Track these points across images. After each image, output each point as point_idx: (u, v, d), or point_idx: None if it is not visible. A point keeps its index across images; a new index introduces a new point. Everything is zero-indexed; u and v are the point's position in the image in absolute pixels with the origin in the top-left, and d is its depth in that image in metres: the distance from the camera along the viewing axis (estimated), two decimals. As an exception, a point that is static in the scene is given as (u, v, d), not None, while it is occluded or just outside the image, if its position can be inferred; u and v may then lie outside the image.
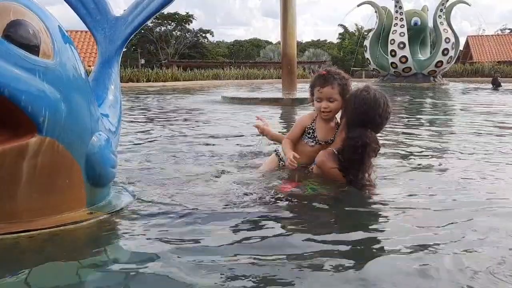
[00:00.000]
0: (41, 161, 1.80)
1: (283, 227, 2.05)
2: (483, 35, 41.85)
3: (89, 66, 18.32)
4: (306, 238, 1.88)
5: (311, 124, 2.83)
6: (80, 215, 2.01)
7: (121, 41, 2.76)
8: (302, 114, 2.98)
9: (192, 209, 2.23)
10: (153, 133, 5.26)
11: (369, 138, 2.48)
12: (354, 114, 2.56)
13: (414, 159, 3.57)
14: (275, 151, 3.07)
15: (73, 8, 2.75)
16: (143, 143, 4.43)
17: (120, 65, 2.92)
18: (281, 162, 2.97)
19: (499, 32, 48.32)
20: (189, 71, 26.89)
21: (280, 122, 6.67)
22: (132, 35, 2.83)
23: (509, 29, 50.87)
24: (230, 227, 2.01)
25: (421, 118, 7.24)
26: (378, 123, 2.56)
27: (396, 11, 21.87)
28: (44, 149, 1.79)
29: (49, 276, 1.56)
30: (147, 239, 1.87)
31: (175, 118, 7.07)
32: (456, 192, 2.57)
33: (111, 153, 2.19)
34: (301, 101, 9.49)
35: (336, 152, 2.62)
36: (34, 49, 1.73)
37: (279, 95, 11.13)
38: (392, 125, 5.53)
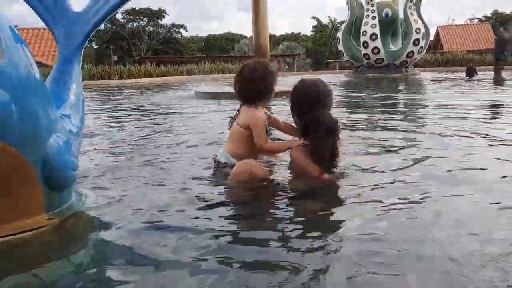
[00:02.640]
0: (-7, 167, 1.71)
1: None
2: (452, 25, 42.67)
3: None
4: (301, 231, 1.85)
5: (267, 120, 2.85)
6: (38, 220, 1.93)
7: (82, 38, 2.66)
8: (252, 114, 2.80)
9: (158, 210, 2.18)
10: (120, 132, 5.12)
11: (321, 114, 2.63)
12: (300, 102, 2.83)
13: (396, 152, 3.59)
14: (214, 156, 2.88)
15: (31, 6, 2.64)
16: (109, 142, 4.31)
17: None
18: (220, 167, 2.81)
19: (468, 22, 49.33)
20: (163, 67, 26.55)
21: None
22: (93, 32, 2.74)
23: (477, 18, 52.01)
24: (196, 225, 1.97)
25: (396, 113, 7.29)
26: (322, 100, 2.74)
27: (367, 3, 22.00)
28: (-5, 154, 1.70)
29: (5, 286, 1.49)
30: (110, 242, 1.81)
31: (145, 116, 6.93)
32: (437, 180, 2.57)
33: (71, 155, 2.10)
34: (274, 95, 9.43)
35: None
36: (-21, 49, 1.64)
37: (252, 89, 11.02)
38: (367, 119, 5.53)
